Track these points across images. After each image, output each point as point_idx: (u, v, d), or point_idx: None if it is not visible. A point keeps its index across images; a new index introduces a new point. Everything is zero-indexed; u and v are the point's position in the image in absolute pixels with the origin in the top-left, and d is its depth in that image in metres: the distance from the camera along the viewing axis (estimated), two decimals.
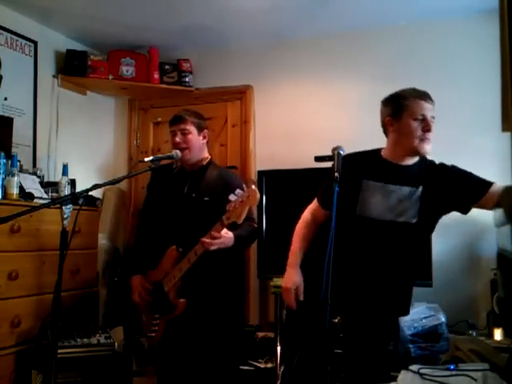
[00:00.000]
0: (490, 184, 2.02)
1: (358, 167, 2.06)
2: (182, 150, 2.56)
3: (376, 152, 2.11)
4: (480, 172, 3.09)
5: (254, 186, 2.13)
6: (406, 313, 2.12)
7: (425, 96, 2.03)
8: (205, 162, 2.66)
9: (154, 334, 2.53)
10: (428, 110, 2.01)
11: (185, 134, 2.57)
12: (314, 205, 2.20)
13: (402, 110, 2.01)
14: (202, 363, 2.50)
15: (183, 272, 2.40)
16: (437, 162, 2.15)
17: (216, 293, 2.54)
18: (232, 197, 2.15)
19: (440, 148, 3.20)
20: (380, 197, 2.00)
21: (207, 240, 2.26)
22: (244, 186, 2.18)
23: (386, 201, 1.98)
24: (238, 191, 2.15)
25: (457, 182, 2.04)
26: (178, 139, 2.57)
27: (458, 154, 3.19)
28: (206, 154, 2.70)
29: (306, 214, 2.21)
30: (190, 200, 2.54)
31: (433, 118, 2.02)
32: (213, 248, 2.27)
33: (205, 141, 2.67)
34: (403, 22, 3.36)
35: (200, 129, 2.63)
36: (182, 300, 2.44)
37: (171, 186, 2.67)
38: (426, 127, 2.00)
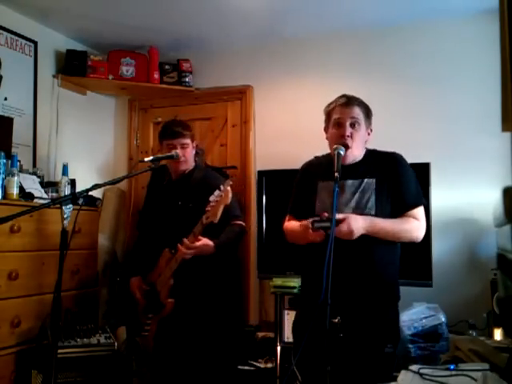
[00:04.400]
0: (411, 206, 2.06)
1: (313, 171, 2.18)
2: (178, 164, 2.71)
3: (328, 154, 2.18)
4: (480, 172, 3.12)
5: (228, 187, 2.31)
6: (394, 303, 2.11)
7: (344, 101, 2.08)
8: (189, 169, 2.77)
9: (147, 334, 2.61)
10: (345, 113, 2.05)
11: (184, 148, 2.70)
12: (287, 218, 2.25)
13: (328, 119, 2.14)
14: (194, 363, 2.55)
15: (172, 271, 2.53)
16: (401, 153, 2.18)
17: (208, 292, 2.59)
18: (211, 197, 2.32)
19: (440, 148, 3.23)
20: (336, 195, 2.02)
21: (182, 249, 2.43)
22: (221, 186, 2.33)
23: (340, 196, 1.98)
24: (216, 192, 2.31)
25: (398, 183, 2.07)
26: (179, 154, 2.67)
27: (458, 154, 3.21)
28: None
29: (287, 223, 2.23)
30: (177, 208, 2.66)
31: (353, 120, 2.05)
32: (188, 257, 2.44)
33: (194, 150, 2.81)
34: (403, 22, 3.36)
35: (192, 140, 2.78)
36: (170, 300, 2.54)
37: (163, 193, 2.81)
38: (341, 132, 2.04)
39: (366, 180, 2.04)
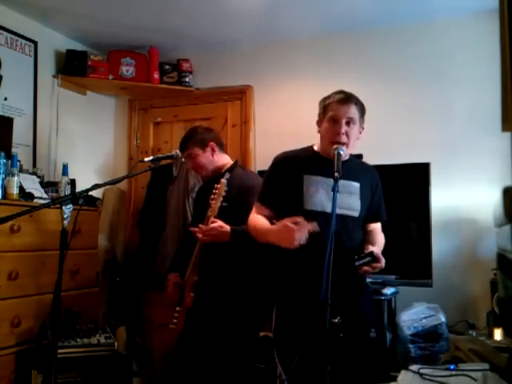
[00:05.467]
0: (379, 219, 2.26)
1: (295, 163, 2.14)
2: (196, 171, 2.76)
3: (309, 148, 2.22)
4: (480, 172, 3.12)
5: (224, 180, 2.38)
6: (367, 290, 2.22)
7: (342, 97, 2.09)
8: (223, 170, 2.68)
9: (174, 326, 2.62)
10: (342, 111, 2.06)
11: (192, 158, 2.66)
12: (255, 208, 2.20)
13: (323, 114, 2.14)
14: (213, 360, 2.53)
15: (193, 264, 2.57)
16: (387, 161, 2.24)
17: (230, 291, 2.54)
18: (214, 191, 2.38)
19: (440, 148, 3.23)
20: (323, 191, 2.04)
21: (197, 233, 2.44)
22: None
23: (329, 194, 1.97)
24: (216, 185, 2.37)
25: (378, 198, 2.23)
26: (189, 166, 2.72)
27: (458, 154, 3.21)
28: (223, 161, 2.73)
29: (252, 216, 2.18)
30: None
31: (349, 118, 2.06)
32: (204, 240, 2.44)
33: (215, 152, 2.70)
34: (404, 22, 3.36)
35: (203, 145, 2.67)
36: (190, 294, 2.55)
37: (201, 194, 2.82)
38: (337, 129, 2.06)
39: (352, 183, 2.09)
